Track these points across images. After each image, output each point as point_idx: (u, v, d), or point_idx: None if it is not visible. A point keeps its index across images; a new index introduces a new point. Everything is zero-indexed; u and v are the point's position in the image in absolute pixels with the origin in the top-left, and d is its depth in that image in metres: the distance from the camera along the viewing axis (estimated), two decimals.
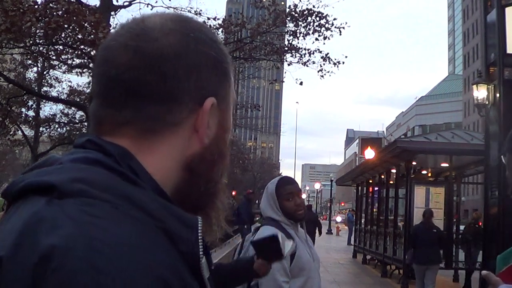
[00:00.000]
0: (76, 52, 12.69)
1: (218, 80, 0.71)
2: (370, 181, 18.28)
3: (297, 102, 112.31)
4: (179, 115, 0.68)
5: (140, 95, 0.66)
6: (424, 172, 15.09)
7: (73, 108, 20.40)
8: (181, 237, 0.60)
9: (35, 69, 21.36)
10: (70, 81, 22.10)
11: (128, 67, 0.66)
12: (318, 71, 15.28)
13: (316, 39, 14.86)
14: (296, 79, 16.08)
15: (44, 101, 20.81)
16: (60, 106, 21.27)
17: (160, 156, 0.67)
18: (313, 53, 15.23)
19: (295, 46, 15.27)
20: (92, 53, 11.61)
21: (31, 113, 21.53)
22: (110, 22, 13.11)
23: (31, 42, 12.38)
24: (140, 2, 14.77)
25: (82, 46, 11.81)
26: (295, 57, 15.51)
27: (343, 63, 15.32)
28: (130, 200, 0.58)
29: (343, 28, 14.75)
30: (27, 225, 0.54)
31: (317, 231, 14.86)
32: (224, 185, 0.77)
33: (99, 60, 0.70)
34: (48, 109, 31.69)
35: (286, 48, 15.57)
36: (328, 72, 15.34)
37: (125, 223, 0.55)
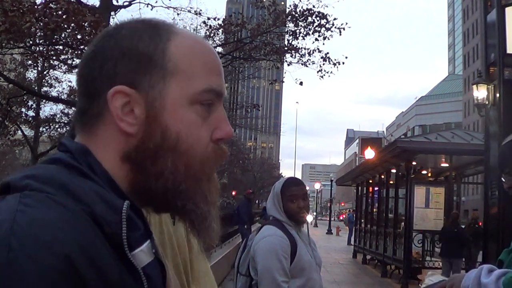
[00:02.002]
0: (76, 52, 12.67)
1: (132, 68, 0.71)
2: (370, 181, 18.27)
3: (297, 102, 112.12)
4: (99, 106, 0.71)
5: (78, 92, 0.75)
6: (424, 172, 15.08)
7: (73, 108, 20.34)
8: (106, 219, 0.63)
9: (35, 69, 21.35)
10: (70, 81, 22.06)
11: (79, 68, 0.76)
12: (317, 71, 15.29)
13: (316, 39, 14.86)
14: (296, 79, 16.08)
15: (44, 101, 20.80)
16: (60, 106, 21.29)
17: (100, 149, 0.71)
18: (312, 53, 15.24)
19: (295, 46, 15.27)
20: None
21: (31, 113, 21.52)
22: (110, 22, 13.10)
23: (31, 42, 12.37)
24: (140, 2, 14.79)
25: (82, 46, 11.80)
26: (295, 57, 15.52)
27: (343, 63, 15.32)
28: (65, 189, 0.64)
29: (343, 28, 14.75)
30: None
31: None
32: (202, 189, 0.74)
33: None
34: (48, 109, 31.74)
35: (286, 48, 15.56)
36: (327, 72, 15.35)
37: (49, 209, 0.61)
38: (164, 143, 0.71)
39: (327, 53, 15.20)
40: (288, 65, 16.15)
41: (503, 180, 1.52)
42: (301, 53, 15.28)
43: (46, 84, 21.71)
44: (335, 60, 15.19)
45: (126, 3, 14.31)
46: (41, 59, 15.96)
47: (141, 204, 0.72)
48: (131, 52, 0.72)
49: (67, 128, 21.61)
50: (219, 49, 16.81)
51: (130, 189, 0.71)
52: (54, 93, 21.39)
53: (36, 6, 11.00)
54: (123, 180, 0.71)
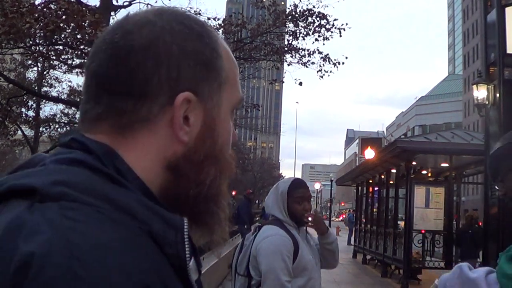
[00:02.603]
0: (76, 52, 12.68)
1: (196, 74, 0.67)
2: (370, 181, 18.27)
3: (297, 102, 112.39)
4: (150, 111, 0.65)
5: (111, 90, 0.65)
6: (424, 172, 15.07)
7: (73, 108, 20.37)
8: (166, 238, 0.58)
9: (35, 69, 21.36)
10: (70, 81, 22.15)
11: (101, 62, 0.66)
12: (317, 71, 15.28)
13: (316, 39, 14.85)
14: (296, 79, 16.07)
15: (44, 101, 20.80)
16: (60, 106, 21.29)
17: (137, 153, 0.65)
18: (312, 54, 15.22)
19: (295, 46, 15.26)
20: None
21: (31, 113, 21.51)
22: (110, 22, 13.10)
23: (31, 42, 12.37)
24: (140, 2, 14.77)
25: (82, 46, 11.80)
26: (295, 57, 15.51)
27: (343, 63, 15.31)
28: (113, 202, 0.56)
29: (343, 29, 14.73)
30: (7, 230, 0.53)
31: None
32: (225, 192, 0.73)
33: (89, 56, 0.71)
34: (48, 109, 31.78)
35: (286, 49, 15.55)
36: (327, 72, 15.34)
37: (106, 227, 0.53)
38: (213, 152, 0.69)
39: (327, 54, 15.21)
40: (288, 65, 16.15)
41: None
42: (301, 54, 15.28)
43: (46, 84, 21.72)
44: (335, 60, 15.19)
45: (126, 3, 14.31)
46: (41, 59, 15.97)
47: None
48: (197, 56, 0.68)
49: (67, 128, 21.62)
50: None
51: (160, 195, 0.66)
52: (54, 93, 21.41)
53: (35, 7, 11.00)
54: (155, 187, 0.65)
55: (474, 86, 9.52)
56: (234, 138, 0.76)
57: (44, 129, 22.40)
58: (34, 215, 0.53)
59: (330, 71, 15.43)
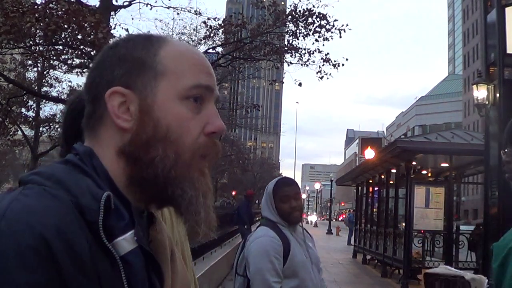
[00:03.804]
0: (76, 52, 12.68)
1: (127, 71, 0.80)
2: (370, 181, 18.26)
3: (297, 102, 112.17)
4: (100, 109, 0.80)
5: (87, 100, 0.84)
6: (424, 172, 15.07)
7: None
8: (88, 208, 0.70)
9: (35, 69, 21.36)
10: (70, 81, 22.12)
11: (86, 79, 0.86)
12: (317, 72, 15.25)
13: (316, 40, 14.83)
14: (295, 79, 16.06)
15: (44, 101, 20.81)
16: (60, 106, 21.24)
17: (102, 149, 0.80)
18: (312, 53, 15.21)
19: (294, 46, 15.24)
20: (92, 53, 11.60)
21: (31, 113, 21.53)
22: (110, 22, 13.10)
23: (31, 42, 12.37)
24: (140, 2, 14.79)
25: (82, 46, 11.81)
26: (295, 57, 15.50)
27: (343, 65, 15.27)
28: (61, 183, 0.72)
29: (344, 30, 14.69)
30: None
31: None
32: (191, 176, 0.80)
33: None
34: (48, 109, 31.67)
35: (286, 48, 15.54)
36: (327, 74, 15.31)
37: (41, 198, 0.68)
38: (156, 134, 0.79)
39: (327, 53, 15.19)
40: (288, 65, 16.15)
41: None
42: (301, 53, 15.27)
43: (46, 84, 21.72)
44: (334, 61, 15.17)
45: (126, 3, 14.32)
46: (41, 59, 15.98)
47: (141, 200, 0.81)
48: (126, 58, 0.81)
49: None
50: (219, 49, 16.83)
51: (128, 183, 0.79)
52: (54, 93, 21.41)
53: (36, 7, 11.00)
54: (121, 175, 0.79)
55: (474, 86, 9.52)
56: (219, 128, 0.82)
57: (44, 129, 22.42)
58: (6, 194, 0.71)
59: (330, 74, 15.42)
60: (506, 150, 1.52)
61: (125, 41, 0.84)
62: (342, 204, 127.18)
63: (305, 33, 14.77)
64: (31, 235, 0.64)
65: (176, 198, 0.79)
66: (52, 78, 21.72)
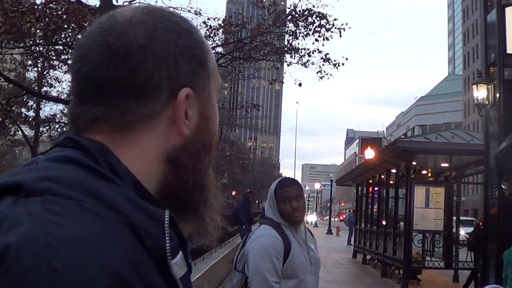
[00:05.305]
0: None
1: (192, 69, 0.70)
2: (370, 181, 18.26)
3: (297, 102, 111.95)
4: (152, 108, 0.67)
5: (110, 90, 0.66)
6: (424, 172, 15.07)
7: None
8: (147, 231, 0.59)
9: (35, 69, 21.35)
10: (70, 81, 22.02)
11: (97, 63, 0.66)
12: (317, 72, 15.25)
13: (316, 39, 14.82)
14: (295, 79, 16.07)
15: (44, 101, 20.79)
16: (60, 106, 21.25)
17: (137, 150, 0.67)
18: (312, 53, 15.21)
19: (294, 46, 15.24)
20: None
21: (31, 113, 21.51)
22: None
23: (31, 42, 12.37)
24: (139, 2, 14.78)
25: None
26: (295, 57, 15.50)
27: (343, 64, 15.27)
28: (96, 196, 0.58)
29: (343, 29, 14.69)
30: None
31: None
32: (212, 177, 0.76)
33: (74, 58, 0.70)
34: (48, 109, 31.77)
35: (286, 49, 15.54)
36: (327, 74, 15.30)
37: (85, 220, 0.54)
38: (208, 141, 0.73)
39: (327, 53, 15.19)
40: (288, 65, 16.15)
41: (504, 187, 1.52)
42: (300, 54, 15.26)
43: (46, 84, 21.69)
44: (334, 61, 15.17)
45: (126, 3, 14.31)
46: (41, 59, 15.97)
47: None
48: (191, 52, 0.70)
49: (67, 128, 21.60)
50: (219, 49, 16.81)
51: (158, 188, 0.68)
52: (54, 93, 21.38)
53: (36, 6, 11.00)
54: (153, 181, 0.68)
55: (474, 86, 9.52)
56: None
57: (44, 129, 22.40)
58: (17, 209, 0.54)
59: (330, 74, 15.42)
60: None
61: (177, 26, 0.70)
62: (342, 204, 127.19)
63: (305, 33, 14.77)
64: (102, 274, 0.51)
65: (198, 204, 0.73)
66: (52, 78, 21.70)
